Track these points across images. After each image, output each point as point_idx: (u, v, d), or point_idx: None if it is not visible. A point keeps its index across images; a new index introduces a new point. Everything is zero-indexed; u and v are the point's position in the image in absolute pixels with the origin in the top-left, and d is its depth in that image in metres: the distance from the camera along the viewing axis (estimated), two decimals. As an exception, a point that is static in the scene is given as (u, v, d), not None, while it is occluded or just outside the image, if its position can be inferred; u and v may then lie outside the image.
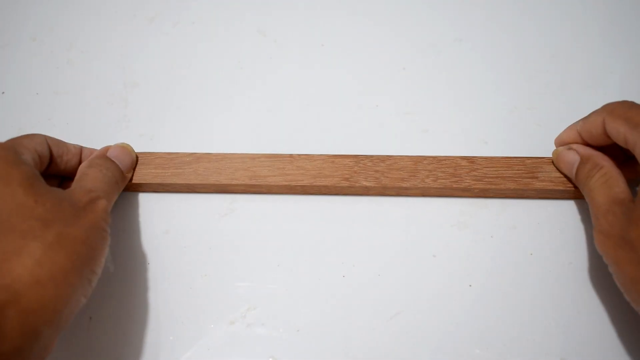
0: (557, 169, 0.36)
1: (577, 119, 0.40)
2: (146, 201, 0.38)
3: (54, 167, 0.35)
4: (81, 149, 0.36)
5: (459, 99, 0.41)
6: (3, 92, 0.44)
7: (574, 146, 0.34)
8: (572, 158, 0.34)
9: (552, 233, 0.35)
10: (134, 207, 0.38)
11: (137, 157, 0.38)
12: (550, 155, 0.36)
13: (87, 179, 0.33)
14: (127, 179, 0.37)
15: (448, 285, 0.34)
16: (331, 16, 0.46)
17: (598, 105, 0.40)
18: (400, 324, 0.33)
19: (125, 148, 0.37)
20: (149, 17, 0.47)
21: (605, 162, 0.32)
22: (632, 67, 0.42)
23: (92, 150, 0.37)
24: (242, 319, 0.34)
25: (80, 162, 0.36)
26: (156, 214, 0.37)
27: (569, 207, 0.36)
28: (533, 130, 0.40)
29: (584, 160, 0.33)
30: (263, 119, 0.41)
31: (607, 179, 0.31)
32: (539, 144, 0.39)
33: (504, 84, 0.42)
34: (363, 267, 0.35)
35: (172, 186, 0.37)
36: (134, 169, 0.37)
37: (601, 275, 0.34)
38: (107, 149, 0.36)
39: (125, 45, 0.46)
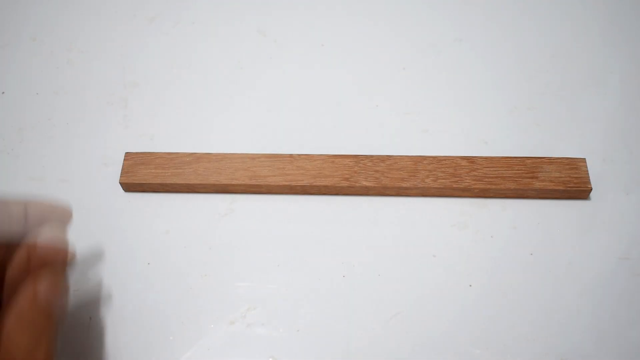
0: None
1: (577, 120, 0.40)
2: (146, 201, 0.38)
3: None
4: (25, 213, 0.28)
5: (459, 99, 0.41)
6: (3, 92, 0.44)
7: None
8: None
9: (552, 233, 0.35)
10: (134, 207, 0.38)
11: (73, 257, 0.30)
12: (550, 155, 0.36)
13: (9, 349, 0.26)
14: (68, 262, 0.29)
15: (448, 285, 0.34)
16: (331, 16, 0.46)
17: (598, 105, 0.40)
18: (400, 324, 0.33)
19: (55, 233, 0.28)
20: (149, 17, 0.47)
21: None
22: (632, 67, 0.42)
23: (39, 207, 0.29)
24: (242, 319, 0.34)
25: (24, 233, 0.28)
26: (156, 214, 0.37)
27: (569, 207, 0.36)
28: (533, 130, 0.40)
29: None
30: (263, 119, 0.41)
31: None
32: (539, 144, 0.39)
33: (504, 84, 0.42)
34: (363, 267, 0.35)
35: (172, 186, 0.37)
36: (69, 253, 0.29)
37: (601, 275, 0.34)
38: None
39: (125, 45, 0.46)
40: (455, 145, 0.39)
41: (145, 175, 0.37)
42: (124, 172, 0.37)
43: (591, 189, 0.36)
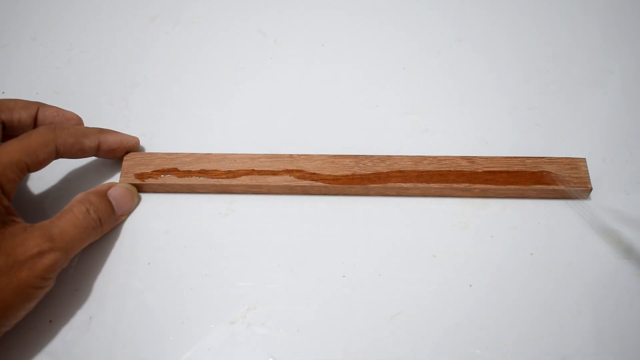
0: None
1: (577, 120, 0.40)
2: (146, 201, 0.38)
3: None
4: (98, 143, 0.36)
5: (459, 99, 0.41)
6: (3, 92, 0.44)
7: None
8: None
9: (552, 233, 0.35)
10: (129, 210, 0.37)
11: (139, 200, 0.37)
12: (550, 155, 0.36)
13: (62, 221, 0.31)
14: (119, 220, 0.36)
15: (448, 285, 0.34)
16: (331, 16, 0.46)
17: (598, 105, 0.40)
18: (400, 324, 0.33)
19: (129, 191, 0.36)
20: (149, 17, 0.47)
21: None
22: (632, 67, 0.42)
23: (111, 138, 0.36)
24: (242, 319, 0.34)
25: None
26: (156, 214, 0.37)
27: (569, 207, 0.36)
28: (533, 130, 0.40)
29: None
30: (263, 118, 0.41)
31: None
32: (539, 144, 0.39)
33: (504, 84, 0.42)
34: (363, 267, 0.35)
35: (172, 187, 0.37)
36: (131, 212, 0.37)
37: (601, 275, 0.34)
38: (109, 186, 0.35)
39: (125, 45, 0.46)
40: (455, 145, 0.39)
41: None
42: (124, 172, 0.37)
43: (591, 189, 0.36)
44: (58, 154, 0.34)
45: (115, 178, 0.38)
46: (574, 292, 0.34)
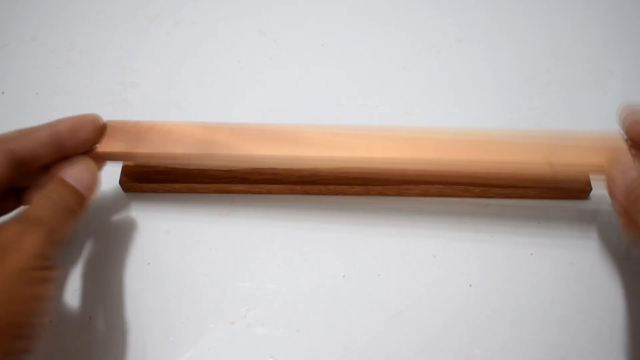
0: (603, 170, 0.31)
1: (577, 120, 0.40)
2: (146, 201, 0.38)
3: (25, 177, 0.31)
4: (54, 130, 0.31)
5: (459, 99, 0.41)
6: (3, 92, 0.44)
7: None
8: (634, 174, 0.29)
9: (552, 233, 0.35)
10: (134, 207, 0.37)
11: (100, 174, 0.33)
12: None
13: (30, 209, 0.28)
14: (89, 200, 0.31)
15: (448, 285, 0.34)
16: (331, 16, 0.46)
17: (598, 105, 0.40)
18: (400, 324, 0.33)
19: (85, 167, 0.31)
20: (149, 17, 0.47)
21: None
22: (632, 67, 0.42)
23: (68, 122, 0.31)
24: (242, 319, 0.34)
25: (57, 153, 0.31)
26: (156, 214, 0.37)
27: (569, 207, 0.36)
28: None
29: None
30: (263, 118, 0.41)
31: None
32: (539, 144, 0.39)
33: (504, 84, 0.42)
34: (363, 267, 0.35)
35: (172, 187, 0.37)
36: (97, 186, 0.32)
37: (601, 275, 0.34)
38: (62, 171, 0.30)
39: (125, 45, 0.46)
40: (455, 145, 0.39)
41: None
42: (124, 172, 0.37)
43: (591, 189, 0.36)
44: (15, 161, 0.29)
45: (116, 178, 0.38)
46: (574, 292, 0.34)
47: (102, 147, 0.33)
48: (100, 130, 0.33)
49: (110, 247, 0.36)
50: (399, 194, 0.37)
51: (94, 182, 0.31)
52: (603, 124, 0.39)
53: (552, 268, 0.34)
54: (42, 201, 0.28)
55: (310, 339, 0.33)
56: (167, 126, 0.33)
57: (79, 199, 0.30)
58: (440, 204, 0.37)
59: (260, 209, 0.37)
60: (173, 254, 0.36)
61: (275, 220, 0.37)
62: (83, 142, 0.32)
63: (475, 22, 0.45)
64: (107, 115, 0.42)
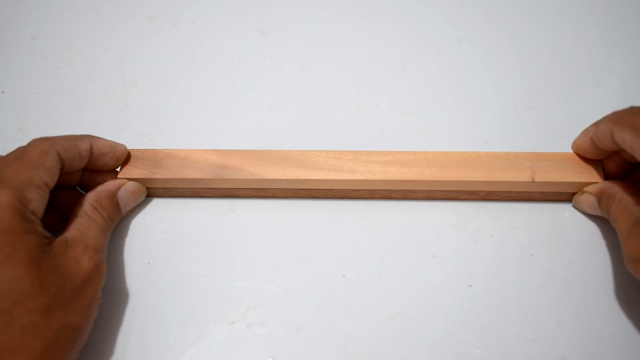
0: (584, 211, 0.36)
1: (577, 120, 0.40)
2: (146, 201, 0.38)
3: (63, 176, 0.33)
4: (90, 146, 0.34)
5: (459, 99, 0.41)
6: (3, 92, 0.44)
7: (586, 188, 0.34)
8: (589, 200, 0.34)
9: (552, 233, 0.35)
10: (134, 207, 0.37)
11: (144, 197, 0.37)
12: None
13: (90, 234, 0.31)
14: (122, 217, 0.36)
15: (448, 285, 0.34)
16: (331, 16, 0.46)
17: (598, 105, 0.40)
18: (400, 324, 0.33)
19: (136, 194, 0.36)
20: (149, 17, 0.47)
21: (616, 190, 0.32)
22: (632, 67, 0.42)
23: (101, 142, 0.34)
24: (242, 319, 0.34)
25: (89, 162, 0.34)
26: (156, 214, 0.37)
27: (569, 208, 0.36)
28: (533, 130, 0.40)
29: (598, 197, 0.33)
30: (263, 118, 0.41)
31: (624, 204, 0.31)
32: (539, 144, 0.39)
33: (504, 84, 0.42)
34: (363, 267, 0.35)
35: (175, 190, 0.37)
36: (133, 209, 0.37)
37: (601, 275, 0.34)
38: (118, 185, 0.35)
39: (125, 45, 0.46)
40: (455, 145, 0.39)
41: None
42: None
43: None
44: (62, 161, 0.32)
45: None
46: (574, 292, 0.34)
47: (123, 173, 0.36)
48: (122, 159, 0.36)
49: (111, 247, 0.36)
50: (404, 197, 0.37)
51: (133, 206, 0.36)
52: (603, 124, 0.40)
53: (552, 268, 0.34)
54: (101, 223, 0.32)
55: (310, 339, 0.33)
56: (183, 153, 0.36)
57: (118, 219, 0.35)
58: (440, 204, 0.37)
59: (261, 209, 0.37)
60: (173, 254, 0.36)
61: (275, 220, 0.37)
62: (106, 165, 0.35)
63: (475, 22, 0.45)
64: (107, 115, 0.42)
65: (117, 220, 0.35)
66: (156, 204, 0.38)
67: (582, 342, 0.32)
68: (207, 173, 0.35)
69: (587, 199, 0.34)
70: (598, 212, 0.34)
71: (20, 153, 0.30)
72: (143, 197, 0.37)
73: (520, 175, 0.34)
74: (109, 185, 0.35)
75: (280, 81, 0.43)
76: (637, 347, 0.32)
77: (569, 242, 0.35)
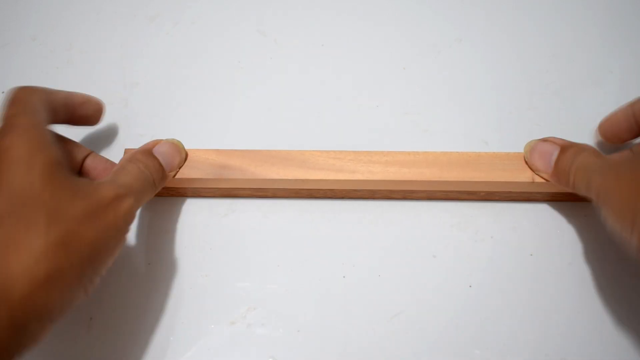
0: (528, 163, 0.34)
1: (577, 120, 0.40)
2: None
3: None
4: (65, 96, 0.35)
5: (459, 99, 0.41)
6: (3, 92, 0.44)
7: (550, 138, 0.34)
8: (549, 148, 0.33)
9: (552, 233, 0.35)
10: (178, 166, 0.37)
11: (186, 155, 0.36)
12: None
13: (122, 174, 0.31)
14: (170, 177, 0.35)
15: (448, 285, 0.34)
16: (331, 16, 0.46)
17: (598, 105, 0.40)
18: (400, 324, 0.33)
19: (175, 146, 0.35)
20: (149, 17, 0.47)
21: (589, 146, 0.32)
22: (632, 67, 0.42)
23: (76, 94, 0.35)
24: (242, 319, 0.34)
25: (71, 114, 0.35)
26: (156, 214, 0.37)
27: (569, 208, 0.36)
28: (533, 130, 0.40)
29: (564, 148, 0.32)
30: (263, 118, 0.41)
31: (597, 152, 0.31)
32: (539, 144, 0.39)
33: (504, 84, 0.42)
34: (363, 267, 0.35)
35: (176, 190, 0.37)
36: (179, 167, 0.36)
37: (601, 275, 0.34)
38: (154, 143, 0.35)
39: (125, 45, 0.46)
40: (455, 145, 0.39)
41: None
42: None
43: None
44: (54, 104, 0.33)
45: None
46: (574, 292, 0.34)
47: None
48: (101, 109, 0.37)
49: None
50: (405, 197, 0.37)
51: (177, 161, 0.35)
52: (603, 124, 0.40)
53: (552, 268, 0.34)
54: (134, 171, 0.32)
55: (310, 339, 0.33)
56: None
57: (162, 175, 0.34)
58: (440, 205, 0.37)
59: (261, 209, 0.37)
60: (173, 254, 0.36)
61: (275, 220, 0.37)
62: (88, 116, 0.36)
63: (475, 22, 0.45)
64: (107, 115, 0.42)
65: (159, 177, 0.33)
66: (156, 203, 0.38)
67: (582, 342, 0.32)
68: (207, 173, 0.35)
69: (547, 147, 0.33)
70: (547, 165, 0.33)
71: (8, 101, 0.31)
72: (183, 154, 0.36)
73: (520, 176, 0.34)
74: (144, 145, 0.35)
75: (280, 81, 0.43)
76: (637, 347, 0.32)
77: (569, 242, 0.35)
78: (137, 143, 0.39)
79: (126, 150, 0.37)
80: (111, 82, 0.44)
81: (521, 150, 0.38)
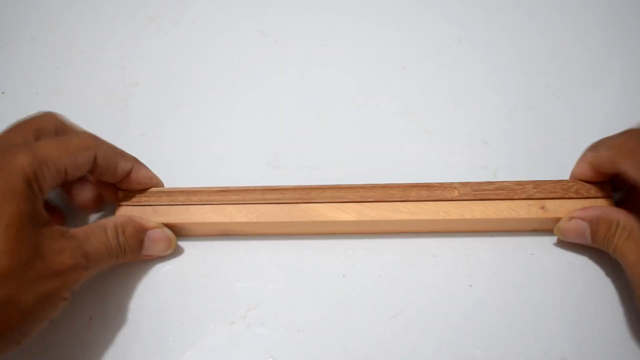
0: (567, 240, 0.34)
1: (577, 120, 0.40)
2: (146, 201, 0.38)
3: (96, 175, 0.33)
4: (131, 169, 0.34)
5: (459, 99, 0.41)
6: (3, 92, 0.44)
7: (574, 213, 0.32)
8: (579, 226, 0.32)
9: (552, 233, 0.35)
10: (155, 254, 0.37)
11: (172, 250, 0.35)
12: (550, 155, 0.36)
13: (95, 241, 0.30)
14: (139, 260, 0.35)
15: (448, 285, 0.34)
16: (331, 16, 0.46)
17: (598, 105, 0.40)
18: (400, 324, 0.33)
19: (168, 240, 0.34)
20: (149, 17, 0.47)
21: (620, 216, 0.30)
22: (632, 67, 0.42)
23: (143, 170, 0.35)
24: (242, 319, 0.34)
25: (125, 180, 0.34)
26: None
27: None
28: (533, 130, 0.40)
29: (594, 223, 0.32)
30: (263, 118, 0.41)
31: (630, 231, 0.30)
32: (539, 144, 0.39)
33: (504, 84, 0.42)
34: (363, 267, 0.35)
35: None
36: (157, 256, 0.35)
37: (601, 275, 0.34)
38: (150, 226, 0.34)
39: (125, 45, 0.46)
40: (455, 145, 0.39)
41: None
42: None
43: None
44: (95, 165, 0.32)
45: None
46: (574, 292, 0.34)
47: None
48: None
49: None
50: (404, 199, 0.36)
51: (159, 252, 0.35)
52: (603, 124, 0.40)
53: (552, 268, 0.34)
54: (110, 244, 0.31)
55: (310, 339, 0.33)
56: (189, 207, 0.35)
57: (136, 256, 0.34)
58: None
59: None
60: (173, 254, 0.36)
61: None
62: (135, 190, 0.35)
63: (475, 22, 0.45)
64: (107, 115, 0.42)
65: (131, 257, 0.33)
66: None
67: (582, 342, 0.32)
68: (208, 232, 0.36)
69: (576, 226, 0.32)
70: (585, 241, 0.32)
71: (66, 136, 0.31)
72: (169, 251, 0.35)
73: (533, 223, 0.34)
74: (144, 221, 0.34)
75: (280, 81, 0.43)
76: (637, 347, 0.32)
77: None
78: (137, 143, 0.39)
79: (119, 207, 0.35)
80: (111, 82, 0.44)
81: (522, 150, 0.38)
